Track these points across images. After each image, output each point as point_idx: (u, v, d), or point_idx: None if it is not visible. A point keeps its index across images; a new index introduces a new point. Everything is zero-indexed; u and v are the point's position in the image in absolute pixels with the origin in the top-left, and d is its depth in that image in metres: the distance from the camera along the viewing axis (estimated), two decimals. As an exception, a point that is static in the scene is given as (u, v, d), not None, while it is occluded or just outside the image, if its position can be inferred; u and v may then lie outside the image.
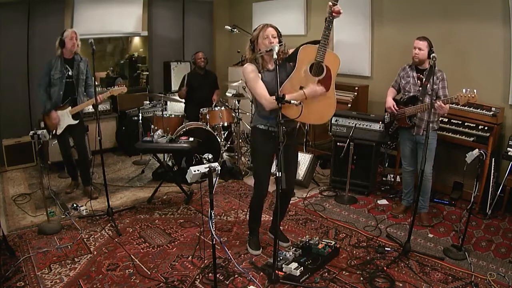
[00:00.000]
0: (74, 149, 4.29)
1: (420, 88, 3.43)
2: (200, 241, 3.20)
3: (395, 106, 3.57)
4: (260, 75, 2.77)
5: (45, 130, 3.34)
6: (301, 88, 2.74)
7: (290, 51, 2.87)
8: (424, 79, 3.41)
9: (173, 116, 5.01)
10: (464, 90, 3.03)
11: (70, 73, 3.90)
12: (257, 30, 2.81)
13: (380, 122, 4.08)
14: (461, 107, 3.90)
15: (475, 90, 3.01)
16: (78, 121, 4.02)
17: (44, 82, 3.89)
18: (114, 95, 4.13)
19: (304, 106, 2.66)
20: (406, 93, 3.55)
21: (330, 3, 2.64)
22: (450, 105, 3.30)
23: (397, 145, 4.53)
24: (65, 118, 3.95)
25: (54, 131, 3.97)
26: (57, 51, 3.87)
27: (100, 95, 3.89)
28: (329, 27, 2.72)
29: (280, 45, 2.72)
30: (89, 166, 4.27)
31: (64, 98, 3.92)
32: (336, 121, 4.34)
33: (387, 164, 4.80)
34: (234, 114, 5.22)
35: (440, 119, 3.80)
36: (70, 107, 3.93)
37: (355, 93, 4.99)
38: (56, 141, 4.27)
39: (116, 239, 3.24)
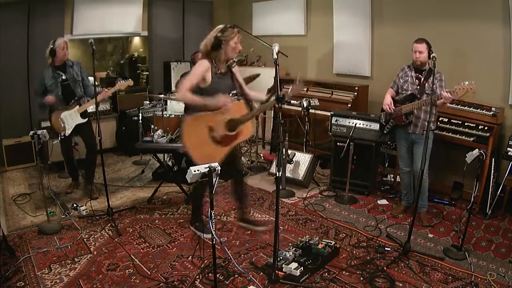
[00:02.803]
0: (75, 149, 4.29)
1: (418, 87, 3.43)
2: (200, 241, 3.20)
3: (392, 104, 3.55)
4: (211, 75, 2.88)
5: (45, 130, 3.33)
6: (210, 128, 2.92)
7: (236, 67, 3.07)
8: (422, 79, 3.41)
9: (173, 116, 5.01)
10: (461, 83, 3.01)
11: (63, 77, 3.90)
12: (231, 33, 2.89)
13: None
14: (461, 107, 3.90)
15: (473, 82, 2.98)
16: (87, 119, 4.02)
17: (41, 90, 3.89)
18: (121, 89, 4.12)
19: (195, 145, 2.87)
20: (404, 92, 3.54)
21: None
22: (450, 105, 3.29)
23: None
24: (73, 117, 3.94)
25: (63, 132, 3.95)
26: (48, 60, 3.87)
27: (108, 90, 3.92)
28: (268, 102, 2.98)
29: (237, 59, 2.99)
30: (95, 166, 4.26)
31: (64, 99, 3.91)
32: (336, 121, 4.34)
33: (387, 164, 4.80)
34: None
35: (439, 119, 3.80)
36: (78, 106, 3.93)
37: (355, 93, 4.99)
38: (56, 141, 4.26)
39: (116, 239, 3.24)
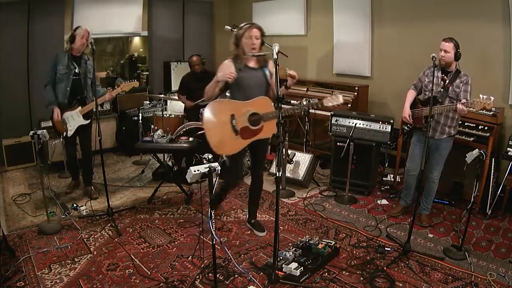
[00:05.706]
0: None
1: (442, 90, 3.30)
2: (200, 241, 3.20)
3: (411, 117, 3.46)
4: (234, 70, 2.97)
5: (45, 130, 3.33)
6: (232, 116, 2.93)
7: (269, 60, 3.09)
8: (447, 81, 3.28)
9: (173, 116, 5.01)
10: (481, 96, 2.94)
11: (77, 70, 3.84)
12: (243, 29, 2.97)
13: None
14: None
15: (491, 98, 2.92)
16: (89, 120, 3.98)
17: (51, 78, 3.80)
18: (125, 90, 4.07)
19: (214, 129, 2.91)
20: (427, 93, 3.42)
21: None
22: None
23: (397, 145, 4.54)
24: (75, 118, 3.91)
25: (65, 133, 3.92)
26: (66, 46, 3.82)
27: (112, 91, 3.92)
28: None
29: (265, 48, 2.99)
30: (92, 166, 4.26)
31: (71, 95, 3.87)
32: (336, 121, 4.34)
33: (387, 164, 4.80)
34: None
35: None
36: (80, 107, 3.89)
37: (355, 93, 4.99)
38: (56, 141, 4.25)
39: (116, 239, 3.24)
